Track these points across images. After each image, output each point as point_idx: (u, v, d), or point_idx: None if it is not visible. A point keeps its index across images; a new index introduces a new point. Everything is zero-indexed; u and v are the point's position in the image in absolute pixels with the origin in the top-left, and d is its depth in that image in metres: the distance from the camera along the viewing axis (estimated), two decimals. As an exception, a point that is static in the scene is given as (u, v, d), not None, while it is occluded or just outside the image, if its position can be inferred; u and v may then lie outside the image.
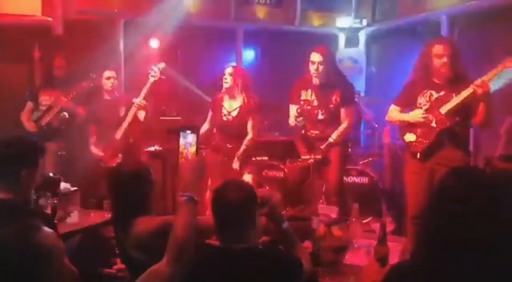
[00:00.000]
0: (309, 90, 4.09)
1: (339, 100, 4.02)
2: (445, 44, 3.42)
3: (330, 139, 4.03)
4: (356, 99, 4.62)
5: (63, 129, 4.76)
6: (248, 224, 1.94)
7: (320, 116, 4.08)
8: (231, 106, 4.31)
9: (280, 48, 6.31)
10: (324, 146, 4.03)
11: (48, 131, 4.69)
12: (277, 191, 5.04)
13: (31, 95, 4.89)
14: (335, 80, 4.03)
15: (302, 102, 4.08)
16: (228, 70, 4.29)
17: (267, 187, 5.20)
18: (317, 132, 4.11)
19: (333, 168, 4.10)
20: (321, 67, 3.94)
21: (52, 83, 4.86)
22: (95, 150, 4.61)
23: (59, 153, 4.66)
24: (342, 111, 4.06)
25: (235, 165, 4.22)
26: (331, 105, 4.04)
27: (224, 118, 4.31)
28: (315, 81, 4.02)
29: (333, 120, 4.08)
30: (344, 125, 4.06)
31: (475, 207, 1.37)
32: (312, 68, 3.96)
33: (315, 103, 4.07)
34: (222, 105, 4.33)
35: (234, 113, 4.29)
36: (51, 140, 4.59)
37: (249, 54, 6.65)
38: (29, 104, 4.86)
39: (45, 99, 4.80)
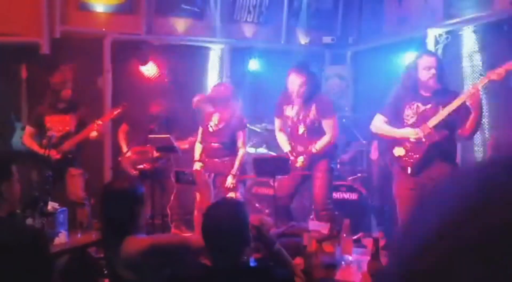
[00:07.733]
0: (291, 106, 4.16)
1: (316, 113, 4.06)
2: (433, 56, 3.50)
3: (313, 150, 4.05)
4: (335, 111, 4.57)
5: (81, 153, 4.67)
6: (240, 245, 1.92)
7: (301, 131, 4.11)
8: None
9: (267, 65, 6.33)
10: (306, 155, 4.04)
11: (72, 157, 4.52)
12: (267, 208, 5.04)
13: (18, 118, 4.75)
14: (313, 95, 4.10)
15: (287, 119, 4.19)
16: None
17: (257, 205, 5.20)
18: (301, 148, 4.13)
19: (320, 182, 4.10)
20: (301, 89, 4.00)
21: (57, 106, 4.53)
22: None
23: (83, 177, 4.59)
24: (323, 123, 4.09)
25: (230, 180, 4.26)
26: (309, 119, 4.08)
27: (210, 129, 4.43)
28: (296, 100, 4.09)
29: (315, 135, 4.10)
30: (326, 137, 4.08)
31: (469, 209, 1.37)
32: (294, 89, 4.02)
33: (295, 118, 4.14)
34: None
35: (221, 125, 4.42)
36: (74, 165, 4.53)
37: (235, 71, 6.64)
38: (29, 129, 4.56)
39: (55, 125, 4.49)
